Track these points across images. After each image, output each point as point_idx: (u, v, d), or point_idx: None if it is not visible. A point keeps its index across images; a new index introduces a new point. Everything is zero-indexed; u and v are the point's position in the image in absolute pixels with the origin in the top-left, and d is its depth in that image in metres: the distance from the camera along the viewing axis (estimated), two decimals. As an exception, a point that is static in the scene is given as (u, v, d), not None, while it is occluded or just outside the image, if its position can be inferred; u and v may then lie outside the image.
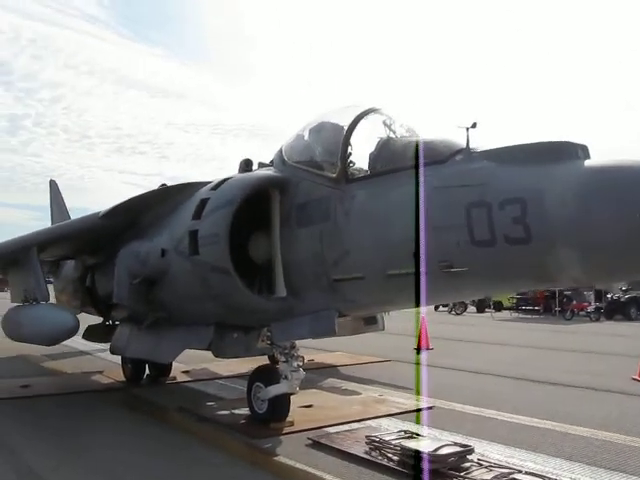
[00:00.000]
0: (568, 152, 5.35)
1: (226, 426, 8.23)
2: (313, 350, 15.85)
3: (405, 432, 7.31)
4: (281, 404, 8.11)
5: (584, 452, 6.99)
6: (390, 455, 6.60)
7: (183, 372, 12.54)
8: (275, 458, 6.87)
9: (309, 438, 7.52)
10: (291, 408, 9.07)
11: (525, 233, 5.31)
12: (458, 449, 6.42)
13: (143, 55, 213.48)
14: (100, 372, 12.16)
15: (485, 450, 6.94)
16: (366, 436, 7.14)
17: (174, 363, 12.14)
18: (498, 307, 31.06)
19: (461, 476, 5.94)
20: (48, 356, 14.81)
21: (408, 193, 6.17)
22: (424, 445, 6.46)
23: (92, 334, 12.44)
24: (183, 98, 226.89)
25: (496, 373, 12.25)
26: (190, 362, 12.86)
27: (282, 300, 7.56)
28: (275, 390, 7.96)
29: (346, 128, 7.09)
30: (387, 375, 12.14)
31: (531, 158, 5.47)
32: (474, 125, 6.06)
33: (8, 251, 9.77)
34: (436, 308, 31.97)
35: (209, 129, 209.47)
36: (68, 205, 18.57)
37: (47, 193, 18.99)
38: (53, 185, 18.99)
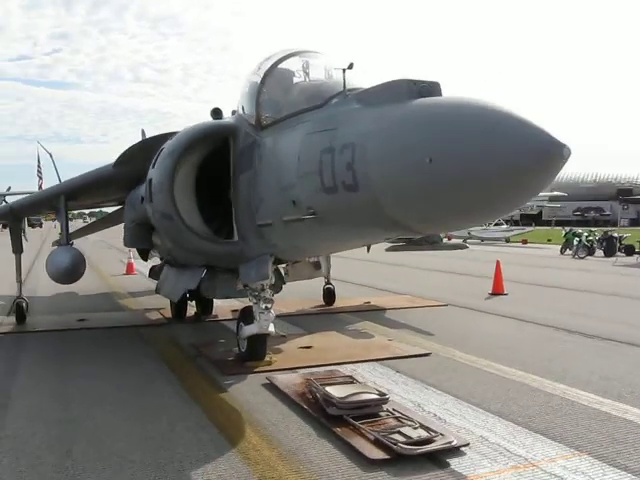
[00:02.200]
0: (409, 91, 4.87)
1: (212, 362, 8.61)
2: (386, 292, 16.01)
3: (350, 377, 7.21)
4: (256, 344, 8.31)
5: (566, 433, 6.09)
6: (313, 399, 6.59)
7: (232, 311, 13.05)
8: (215, 394, 7.16)
9: (267, 378, 7.69)
10: (291, 348, 9.44)
11: (354, 180, 5.03)
12: (371, 397, 6.24)
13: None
14: (159, 309, 12.97)
15: (434, 406, 6.61)
16: (306, 379, 7.15)
17: (228, 301, 12.89)
18: (630, 251, 27.98)
19: (355, 424, 5.79)
20: (131, 293, 16.13)
21: (291, 140, 6.07)
22: (340, 391, 6.36)
23: (154, 274, 13.37)
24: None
25: (555, 325, 11.26)
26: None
27: (233, 244, 7.70)
28: (248, 330, 8.17)
29: (262, 74, 6.97)
30: (426, 320, 11.82)
31: (383, 99, 5.08)
32: (350, 66, 5.77)
33: (43, 198, 10.77)
34: (562, 251, 29.94)
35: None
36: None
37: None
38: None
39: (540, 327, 11.16)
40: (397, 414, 6.04)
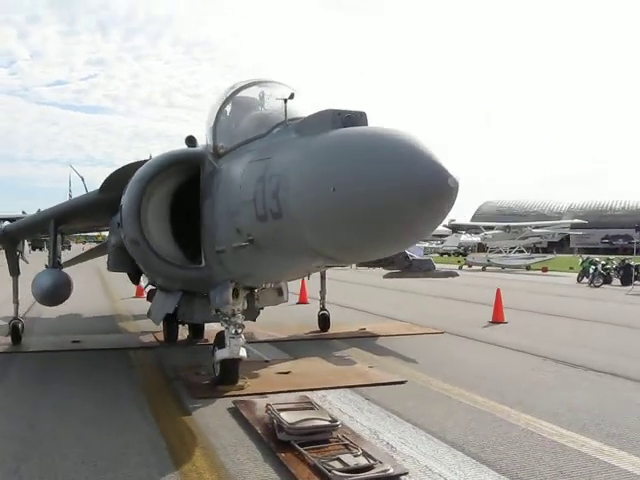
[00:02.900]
0: (333, 121, 4.99)
1: (187, 385, 8.68)
2: (385, 319, 15.96)
3: (309, 403, 7.21)
4: (227, 368, 8.37)
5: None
6: (270, 424, 6.61)
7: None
8: (178, 417, 7.24)
9: (233, 402, 7.74)
10: (269, 373, 9.48)
11: (278, 208, 5.13)
12: (322, 423, 6.25)
13: None
14: (154, 332, 13.11)
15: (390, 434, 6.56)
16: (267, 404, 7.17)
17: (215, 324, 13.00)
18: (647, 279, 27.48)
19: (300, 450, 5.80)
20: (135, 316, 16.33)
21: (237, 168, 6.23)
22: (292, 417, 6.38)
23: (150, 297, 13.55)
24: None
25: (546, 355, 11.08)
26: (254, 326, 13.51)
27: (200, 270, 7.82)
28: (219, 355, 8.24)
29: (220, 104, 7.17)
30: (416, 348, 11.76)
31: (312, 129, 5.20)
32: (291, 96, 5.91)
33: (34, 222, 11.06)
34: (579, 280, 29.47)
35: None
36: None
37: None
38: None
39: (529, 357, 11.01)
40: (346, 441, 6.03)
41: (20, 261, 12.75)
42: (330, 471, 5.21)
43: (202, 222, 7.67)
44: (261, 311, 10.14)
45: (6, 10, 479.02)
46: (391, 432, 6.67)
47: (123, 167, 9.13)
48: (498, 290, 15.78)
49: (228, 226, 6.66)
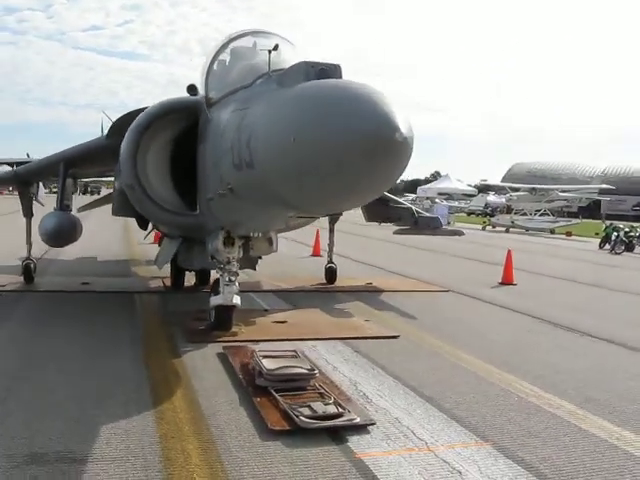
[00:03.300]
0: (306, 73, 4.98)
1: (183, 330, 8.88)
2: (393, 274, 16.04)
3: (294, 352, 7.33)
4: (221, 315, 8.54)
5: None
6: (252, 370, 6.76)
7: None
8: (168, 359, 7.44)
9: (223, 348, 7.92)
10: (266, 322, 9.65)
11: (250, 158, 5.16)
12: (299, 371, 6.38)
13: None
14: (162, 278, 13.33)
15: (369, 386, 6.69)
16: (252, 350, 7.32)
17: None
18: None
19: (275, 396, 5.94)
20: (148, 261, 16.57)
21: (222, 118, 6.27)
22: (273, 364, 6.52)
23: (160, 243, 13.77)
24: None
25: (546, 318, 11.02)
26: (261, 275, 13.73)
27: (194, 217, 7.92)
28: (213, 301, 8.41)
29: (212, 54, 7.14)
30: (418, 305, 11.83)
31: (289, 80, 5.20)
32: (275, 47, 5.86)
33: (45, 165, 11.20)
34: (600, 246, 28.99)
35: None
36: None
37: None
38: None
39: (529, 319, 10.99)
40: (321, 390, 6.16)
41: (36, 204, 13.05)
42: (298, 417, 5.35)
43: (197, 170, 7.74)
44: (260, 261, 10.26)
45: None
46: (371, 384, 6.78)
47: (129, 113, 9.16)
48: (509, 251, 15.67)
49: (214, 174, 6.74)
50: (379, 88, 4.60)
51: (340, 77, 5.08)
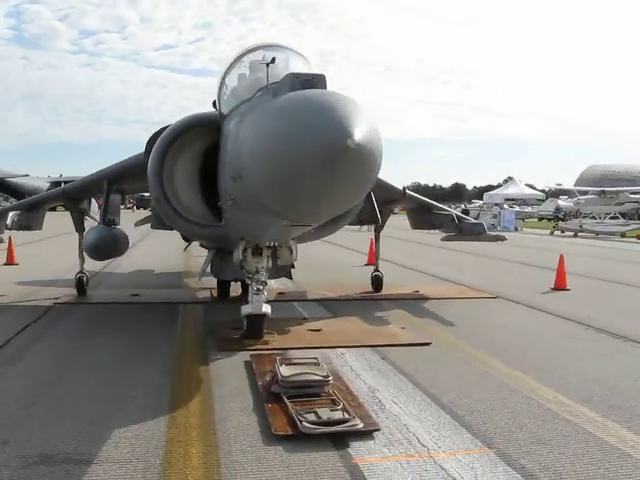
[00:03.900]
0: (291, 84, 5.10)
1: (217, 339, 9.13)
2: (444, 281, 15.89)
3: (317, 359, 7.40)
4: (252, 323, 8.72)
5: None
6: (271, 377, 6.89)
7: (278, 293, 13.56)
8: (194, 366, 7.67)
9: (250, 355, 8.09)
10: (301, 330, 9.78)
11: (241, 169, 5.30)
12: (313, 378, 6.47)
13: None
14: (211, 289, 13.69)
15: (387, 393, 6.73)
16: (276, 358, 7.45)
17: (277, 283, 13.53)
18: None
19: (286, 402, 6.05)
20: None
21: (227, 131, 6.42)
22: (289, 370, 6.64)
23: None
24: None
25: (592, 324, 10.64)
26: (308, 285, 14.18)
27: (219, 228, 8.14)
28: (244, 310, 8.62)
29: (225, 68, 7.33)
30: (462, 312, 11.71)
31: (279, 92, 5.30)
32: (273, 60, 6.00)
33: (89, 182, 11.72)
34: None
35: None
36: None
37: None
38: None
39: (574, 325, 10.67)
40: (334, 396, 6.22)
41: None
42: (301, 422, 5.43)
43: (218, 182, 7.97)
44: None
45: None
46: (389, 391, 6.79)
47: (161, 129, 9.51)
48: (561, 255, 15.25)
49: (222, 186, 6.96)
50: (350, 97, 4.68)
51: (324, 87, 5.18)
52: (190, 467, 4.80)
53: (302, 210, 5.36)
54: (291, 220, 5.98)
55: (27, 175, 67.35)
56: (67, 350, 8.46)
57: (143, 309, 11.66)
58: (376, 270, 14.04)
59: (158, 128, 9.11)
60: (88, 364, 7.71)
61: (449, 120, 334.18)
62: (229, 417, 5.88)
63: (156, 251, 21.39)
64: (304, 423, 5.42)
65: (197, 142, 8.46)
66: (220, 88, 7.73)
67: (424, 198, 13.97)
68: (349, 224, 12.64)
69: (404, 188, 12.45)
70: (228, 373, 7.43)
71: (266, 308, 8.54)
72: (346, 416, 5.64)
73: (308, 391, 6.34)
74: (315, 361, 7.27)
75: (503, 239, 14.84)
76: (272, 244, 8.17)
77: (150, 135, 9.47)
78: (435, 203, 13.83)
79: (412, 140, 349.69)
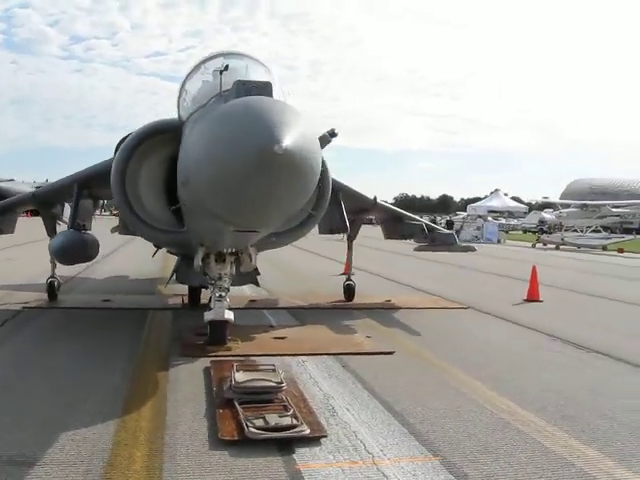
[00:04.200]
0: (237, 91, 5.17)
1: (182, 345, 9.10)
2: (417, 291, 15.95)
3: (274, 366, 7.41)
4: (214, 330, 8.72)
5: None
6: (227, 383, 6.88)
7: (250, 301, 13.56)
8: (153, 372, 7.65)
9: (210, 362, 8.08)
10: (266, 337, 9.77)
11: (187, 174, 5.34)
12: (266, 384, 6.48)
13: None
14: (183, 295, 13.61)
15: (340, 400, 6.75)
16: (235, 364, 7.44)
17: (250, 291, 13.54)
18: None
19: (236, 407, 6.04)
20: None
21: (183, 139, 6.44)
22: (244, 376, 6.65)
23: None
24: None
25: (559, 335, 10.67)
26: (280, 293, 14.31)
27: (182, 234, 8.14)
28: (206, 316, 8.62)
29: (185, 75, 7.39)
30: (429, 322, 11.79)
31: (229, 99, 5.35)
32: (226, 68, 6.07)
33: (60, 186, 11.67)
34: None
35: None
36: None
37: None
38: None
39: (541, 336, 10.74)
40: (285, 403, 6.22)
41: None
42: (248, 427, 5.44)
43: None
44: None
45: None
46: (344, 399, 6.80)
47: (129, 134, 9.52)
48: (534, 267, 15.37)
49: (178, 192, 6.97)
50: (288, 105, 4.75)
51: (270, 94, 5.25)
52: (132, 470, 4.79)
53: (243, 215, 5.39)
54: (235, 225, 6.01)
55: (12, 180, 66.94)
56: (28, 355, 8.41)
57: (112, 315, 11.62)
58: (348, 279, 14.09)
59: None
60: (46, 369, 7.68)
61: (438, 132, 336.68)
62: (180, 422, 5.87)
63: (135, 257, 21.27)
64: (250, 428, 5.42)
65: (163, 148, 8.46)
66: (180, 94, 7.77)
67: (395, 208, 14.07)
68: (326, 233, 12.72)
69: (375, 198, 12.50)
70: (186, 379, 7.42)
71: (229, 315, 8.55)
72: (294, 422, 5.64)
73: (261, 397, 6.35)
74: (272, 368, 7.28)
75: (473, 250, 14.96)
76: (231, 250, 8.18)
77: (119, 140, 9.46)
78: (406, 213, 13.92)
79: (401, 151, 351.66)
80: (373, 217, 15.84)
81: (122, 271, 18.34)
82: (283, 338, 9.76)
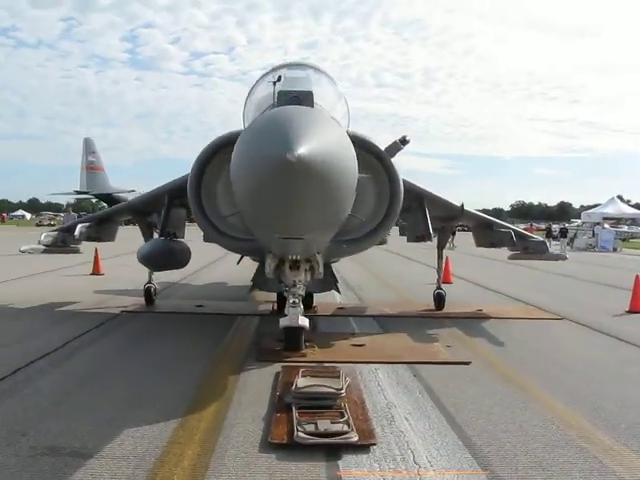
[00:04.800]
0: (279, 100, 5.29)
1: (259, 350, 9.35)
2: (515, 300, 15.47)
3: (339, 372, 7.47)
4: (289, 336, 8.89)
5: None
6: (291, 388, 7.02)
7: (338, 308, 13.69)
8: (226, 375, 7.91)
9: (282, 366, 8.26)
10: (344, 345, 9.85)
11: (232, 183, 5.52)
12: (325, 390, 6.56)
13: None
14: (274, 302, 13.95)
15: (402, 409, 6.70)
16: (301, 370, 7.58)
17: (339, 298, 13.73)
18: None
19: (293, 412, 6.16)
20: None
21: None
22: (306, 382, 6.78)
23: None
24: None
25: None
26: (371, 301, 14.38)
27: (253, 241, 8.36)
28: (281, 323, 8.80)
29: (251, 87, 7.57)
30: (518, 333, 11.42)
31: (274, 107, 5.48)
32: (279, 79, 6.17)
33: (152, 196, 12.24)
34: None
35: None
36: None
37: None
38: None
39: (637, 350, 10.10)
40: (343, 409, 6.27)
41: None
42: (298, 432, 5.54)
43: None
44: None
45: (227, 1, 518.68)
46: (405, 407, 6.75)
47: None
48: (637, 276, 14.41)
49: None
50: (318, 113, 4.80)
51: (310, 103, 5.34)
52: (179, 467, 5.02)
53: (274, 222, 5.50)
54: (272, 232, 6.12)
55: (133, 190, 71.18)
56: (110, 355, 8.98)
57: (202, 319, 12.10)
58: (438, 288, 13.88)
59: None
60: (124, 369, 8.17)
61: (557, 136, 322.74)
62: (237, 424, 6.06)
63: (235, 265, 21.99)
64: (300, 433, 5.52)
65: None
66: (245, 106, 8.02)
67: (484, 215, 13.69)
68: (412, 240, 12.58)
69: (462, 204, 12.24)
70: (254, 383, 7.61)
71: (303, 321, 8.68)
72: (345, 429, 5.68)
73: (319, 403, 6.42)
74: (336, 374, 7.35)
75: (564, 258, 14.32)
76: (296, 257, 8.32)
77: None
78: (495, 220, 13.51)
79: (519, 158, 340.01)
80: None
81: (222, 278, 19.03)
82: (361, 345, 9.78)
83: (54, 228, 13.69)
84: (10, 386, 7.18)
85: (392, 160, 8.69)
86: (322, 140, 4.70)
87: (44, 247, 12.85)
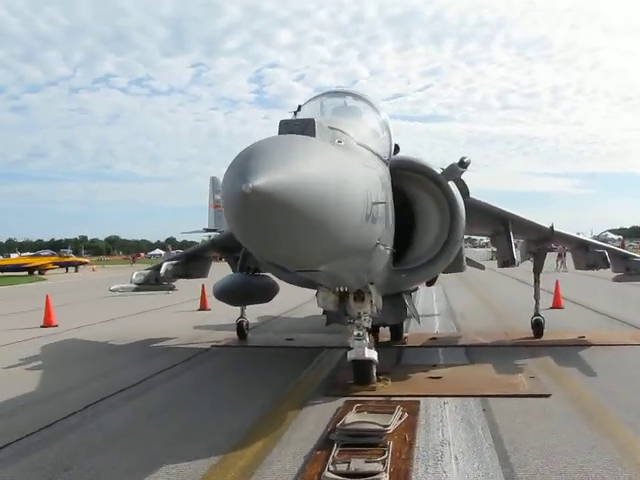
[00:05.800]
0: (280, 129, 5.24)
1: (329, 384, 9.26)
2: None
3: (394, 408, 7.21)
4: (357, 369, 8.72)
5: None
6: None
7: (430, 339, 13.33)
8: (286, 410, 7.87)
9: (345, 401, 8.10)
10: (420, 377, 9.54)
11: None
12: (370, 427, 6.35)
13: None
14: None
15: (453, 447, 6.36)
16: (357, 405, 7.41)
17: (428, 329, 13.42)
18: None
19: (332, 450, 6.01)
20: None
21: None
22: (353, 418, 6.62)
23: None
24: None
25: None
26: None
27: (315, 272, 8.29)
28: (348, 356, 8.67)
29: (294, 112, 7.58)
30: (619, 362, 10.49)
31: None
32: (299, 108, 6.20)
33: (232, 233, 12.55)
34: None
35: None
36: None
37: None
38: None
39: None
40: (387, 447, 6.03)
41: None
42: (328, 471, 5.38)
43: None
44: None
45: (349, 35, 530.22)
46: (460, 445, 6.37)
47: None
48: None
49: None
50: (303, 141, 4.75)
51: (312, 132, 5.26)
52: (202, 505, 5.01)
53: (266, 255, 5.45)
54: (280, 264, 6.04)
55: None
56: (186, 390, 9.25)
57: (288, 353, 12.20)
58: (536, 314, 13.12)
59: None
60: (194, 403, 8.36)
61: None
62: (276, 462, 5.99)
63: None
64: (327, 472, 5.35)
65: None
66: None
67: (576, 236, 12.80)
68: (500, 266, 12.05)
69: (552, 226, 11.55)
70: (312, 419, 7.48)
71: (370, 354, 8.50)
72: (378, 469, 5.44)
73: (363, 440, 6.22)
74: (390, 410, 7.09)
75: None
76: (343, 289, 8.16)
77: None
78: (592, 241, 12.64)
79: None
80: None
81: (315, 311, 19.10)
82: (438, 378, 9.40)
83: (147, 267, 14.38)
84: (79, 421, 7.56)
85: (450, 183, 8.39)
86: (293, 169, 4.59)
87: (135, 286, 13.46)
